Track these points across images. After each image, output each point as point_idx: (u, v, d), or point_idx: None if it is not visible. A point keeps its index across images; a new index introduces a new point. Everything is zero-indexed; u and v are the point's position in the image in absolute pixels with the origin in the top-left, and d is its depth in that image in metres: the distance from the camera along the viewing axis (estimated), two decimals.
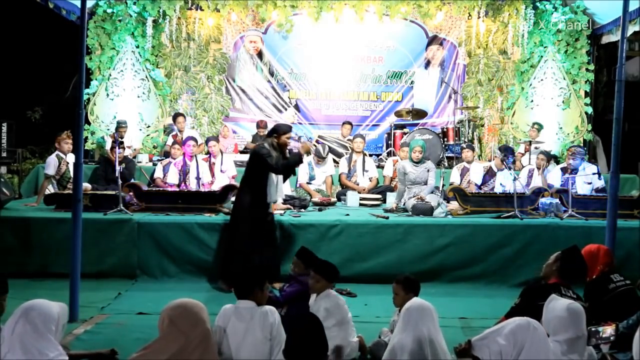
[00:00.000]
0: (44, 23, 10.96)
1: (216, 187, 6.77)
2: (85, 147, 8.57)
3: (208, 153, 7.57)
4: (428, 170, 6.42)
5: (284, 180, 5.32)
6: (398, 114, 9.48)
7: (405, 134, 8.90)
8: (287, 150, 5.15)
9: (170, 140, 8.58)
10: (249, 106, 10.25)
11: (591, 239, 4.68)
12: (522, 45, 9.44)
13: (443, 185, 6.92)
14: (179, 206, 5.78)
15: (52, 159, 6.78)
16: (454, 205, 6.14)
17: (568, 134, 9.26)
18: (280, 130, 5.11)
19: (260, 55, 10.21)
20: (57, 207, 5.82)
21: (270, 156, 4.93)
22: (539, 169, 6.97)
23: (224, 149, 8.09)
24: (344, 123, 9.21)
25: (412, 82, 10.33)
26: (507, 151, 6.94)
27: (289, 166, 5.08)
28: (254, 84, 10.26)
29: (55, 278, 4.98)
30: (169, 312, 2.64)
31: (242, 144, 9.73)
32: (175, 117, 8.82)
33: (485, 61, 9.96)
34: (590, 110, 9.29)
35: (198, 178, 6.98)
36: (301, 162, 5.18)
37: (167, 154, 8.04)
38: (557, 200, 6.00)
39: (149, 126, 9.23)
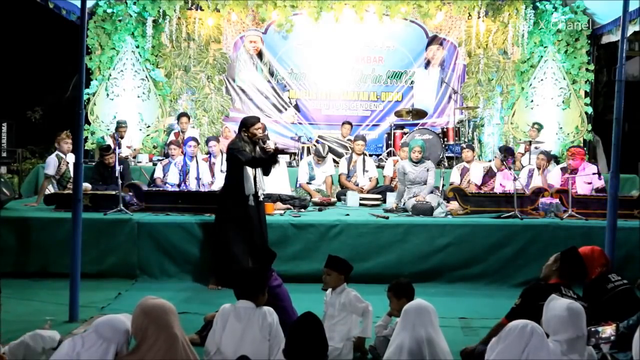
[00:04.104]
0: (44, 23, 10.94)
1: (216, 187, 6.77)
2: (85, 147, 8.56)
3: (208, 153, 7.58)
4: (427, 170, 6.42)
5: (265, 174, 5.30)
6: (398, 114, 9.48)
7: (405, 134, 8.90)
8: (262, 142, 5.15)
9: (172, 138, 8.59)
10: (249, 106, 10.24)
11: (591, 239, 4.69)
12: (522, 45, 9.43)
13: (443, 185, 6.93)
14: (179, 206, 5.78)
15: (52, 159, 6.78)
16: (454, 205, 6.14)
17: (568, 134, 9.26)
18: (248, 123, 5.15)
19: (260, 55, 10.21)
20: (57, 207, 5.82)
21: (242, 150, 4.99)
22: (539, 169, 6.97)
23: (224, 149, 8.09)
24: (344, 123, 9.20)
25: (412, 82, 10.31)
26: (507, 151, 6.95)
27: (260, 160, 5.09)
28: (254, 84, 10.25)
29: (55, 278, 4.99)
30: (137, 314, 2.58)
31: None
32: (180, 117, 8.82)
33: (485, 61, 9.95)
34: (590, 110, 9.29)
35: (198, 178, 6.99)
36: (273, 160, 5.10)
37: (167, 154, 8.05)
38: (557, 200, 6.00)
39: (149, 126, 9.23)
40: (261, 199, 5.16)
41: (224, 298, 3.91)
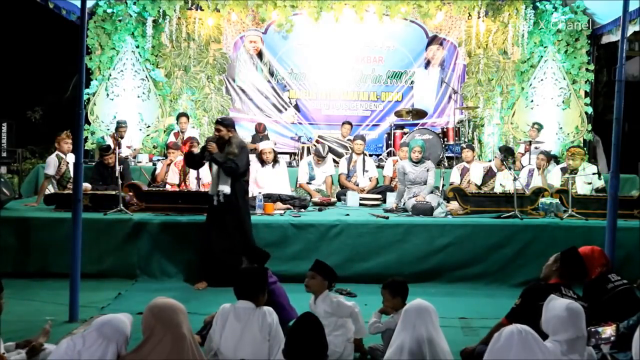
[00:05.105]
0: (44, 23, 10.94)
1: None
2: (85, 147, 8.56)
3: None
4: (427, 170, 6.42)
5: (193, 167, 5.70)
6: (398, 114, 9.48)
7: (405, 134, 8.90)
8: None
9: (171, 138, 8.58)
10: (249, 106, 10.24)
11: (591, 239, 4.70)
12: (522, 45, 9.44)
13: (443, 185, 6.92)
14: (179, 206, 5.78)
15: (52, 159, 6.78)
16: (454, 205, 6.14)
17: (568, 134, 9.27)
18: None
19: (260, 55, 10.21)
20: (57, 207, 5.82)
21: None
22: (539, 169, 6.97)
23: None
24: (344, 123, 9.20)
25: (412, 82, 10.32)
26: (507, 152, 6.94)
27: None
28: (254, 84, 10.25)
29: (55, 278, 4.99)
30: (146, 312, 2.61)
31: None
32: (179, 117, 8.83)
33: (485, 61, 9.95)
34: (590, 110, 9.30)
35: (198, 178, 6.97)
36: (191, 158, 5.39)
37: (167, 155, 8.04)
38: (557, 200, 6.00)
39: (149, 126, 9.23)
40: (221, 200, 5.05)
41: (224, 298, 3.91)
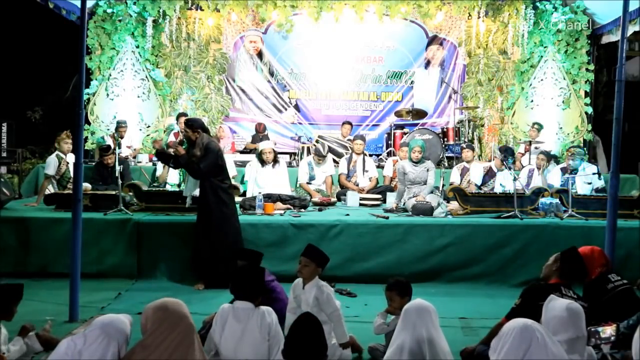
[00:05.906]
0: (44, 23, 10.96)
1: None
2: (85, 147, 8.57)
3: None
4: (427, 170, 6.42)
5: (173, 167, 5.64)
6: (398, 114, 9.49)
7: (405, 134, 8.90)
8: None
9: (171, 138, 8.58)
10: (249, 106, 10.25)
11: (591, 239, 4.70)
12: (522, 45, 9.44)
13: (443, 185, 6.92)
14: (179, 206, 5.78)
15: (52, 159, 6.78)
16: (454, 205, 6.14)
17: (568, 134, 9.26)
18: None
19: (260, 55, 10.21)
20: (57, 207, 5.83)
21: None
22: (539, 169, 6.97)
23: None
24: (344, 123, 9.20)
25: (412, 82, 10.32)
26: (507, 152, 6.94)
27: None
28: (254, 84, 10.26)
29: (55, 278, 5.00)
30: (153, 311, 2.62)
31: (242, 144, 9.73)
32: (179, 117, 8.82)
33: (485, 61, 9.96)
34: (590, 110, 9.29)
35: None
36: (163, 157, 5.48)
37: None
38: (557, 200, 6.00)
39: (149, 126, 9.23)
40: (189, 201, 5.16)
41: (223, 298, 3.91)
